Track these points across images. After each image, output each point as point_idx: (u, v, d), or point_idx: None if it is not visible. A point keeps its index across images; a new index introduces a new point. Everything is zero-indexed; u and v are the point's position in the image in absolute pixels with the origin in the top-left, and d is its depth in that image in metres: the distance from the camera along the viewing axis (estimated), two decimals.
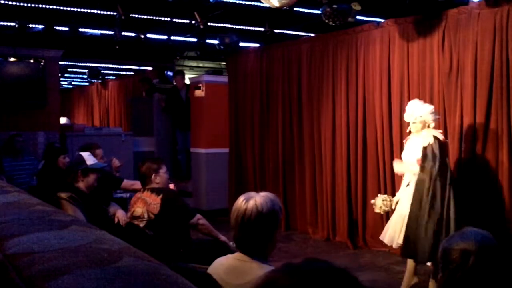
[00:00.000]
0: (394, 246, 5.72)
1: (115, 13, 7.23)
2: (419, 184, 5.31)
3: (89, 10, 7.44)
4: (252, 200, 2.62)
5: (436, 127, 5.64)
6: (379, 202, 5.79)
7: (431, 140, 5.29)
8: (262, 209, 2.59)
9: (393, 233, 5.65)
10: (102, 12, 7.52)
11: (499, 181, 5.98)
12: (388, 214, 6.22)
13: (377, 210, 5.86)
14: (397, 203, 5.74)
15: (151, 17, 7.89)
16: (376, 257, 6.94)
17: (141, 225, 4.55)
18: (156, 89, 11.87)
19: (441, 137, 5.41)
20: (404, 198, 5.62)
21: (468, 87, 6.17)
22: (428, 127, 5.47)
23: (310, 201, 8.36)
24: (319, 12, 6.40)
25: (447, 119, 6.43)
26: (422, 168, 5.30)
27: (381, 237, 5.93)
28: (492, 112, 6.01)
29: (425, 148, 5.30)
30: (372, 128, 7.37)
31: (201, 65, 12.63)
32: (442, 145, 5.39)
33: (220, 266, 2.75)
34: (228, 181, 9.83)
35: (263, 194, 2.68)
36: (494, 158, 6.01)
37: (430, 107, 5.53)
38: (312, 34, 8.48)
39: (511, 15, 5.79)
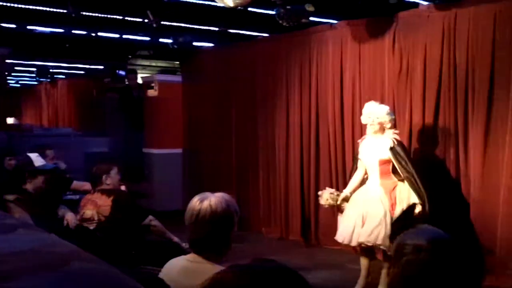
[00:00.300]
0: (353, 244, 5.66)
1: (65, 11, 7.08)
2: (410, 183, 5.40)
3: (38, 7, 7.26)
4: (206, 201, 2.59)
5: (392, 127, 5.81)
6: (326, 195, 5.80)
7: (394, 141, 5.44)
8: (217, 210, 2.57)
9: (351, 231, 5.61)
10: (52, 9, 7.35)
11: (447, 178, 6.14)
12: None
13: (322, 202, 5.85)
14: (344, 199, 5.76)
15: (103, 15, 7.75)
16: (330, 255, 7.01)
17: (91, 227, 4.47)
18: (110, 89, 11.71)
19: (398, 138, 5.56)
20: (363, 197, 5.64)
21: (418, 88, 6.32)
22: (386, 128, 5.59)
23: (263, 200, 8.40)
24: (273, 12, 6.41)
25: (397, 118, 6.54)
26: (402, 168, 5.41)
27: (336, 238, 5.87)
28: (440, 112, 6.17)
29: (392, 149, 5.44)
30: (324, 128, 7.44)
31: (154, 64, 12.49)
32: (403, 146, 5.58)
33: (173, 267, 2.72)
34: (182, 182, 9.77)
35: (218, 194, 2.65)
36: (442, 156, 6.18)
37: (386, 108, 5.64)
38: (266, 35, 8.49)
39: (459, 18, 5.94)
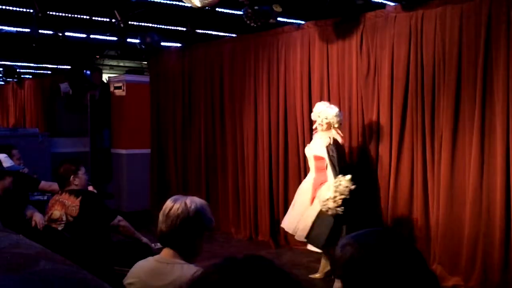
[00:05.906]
0: (292, 232, 6.18)
1: (31, 10, 7.00)
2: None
3: (3, 7, 7.16)
4: (181, 202, 2.65)
5: (354, 126, 6.02)
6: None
7: (330, 141, 5.78)
8: (189, 212, 2.62)
9: (294, 221, 6.09)
10: (17, 9, 7.26)
11: (413, 179, 6.20)
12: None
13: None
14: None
15: (70, 15, 7.68)
16: (297, 255, 7.04)
17: (59, 228, 4.43)
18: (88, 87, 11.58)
19: (339, 139, 5.89)
20: (303, 189, 6.16)
21: (385, 88, 6.36)
22: (332, 127, 5.93)
23: (232, 201, 8.39)
24: (241, 13, 6.43)
25: (365, 119, 6.62)
26: (331, 166, 5.76)
27: (282, 225, 6.43)
28: (407, 112, 6.21)
29: (327, 147, 5.79)
30: (293, 128, 7.47)
31: (121, 64, 12.42)
32: (339, 147, 5.86)
33: (142, 268, 2.74)
34: (149, 182, 9.72)
35: (192, 197, 2.72)
36: (409, 157, 6.22)
37: (335, 110, 5.97)
38: (234, 35, 8.50)
39: (425, 19, 5.99)
